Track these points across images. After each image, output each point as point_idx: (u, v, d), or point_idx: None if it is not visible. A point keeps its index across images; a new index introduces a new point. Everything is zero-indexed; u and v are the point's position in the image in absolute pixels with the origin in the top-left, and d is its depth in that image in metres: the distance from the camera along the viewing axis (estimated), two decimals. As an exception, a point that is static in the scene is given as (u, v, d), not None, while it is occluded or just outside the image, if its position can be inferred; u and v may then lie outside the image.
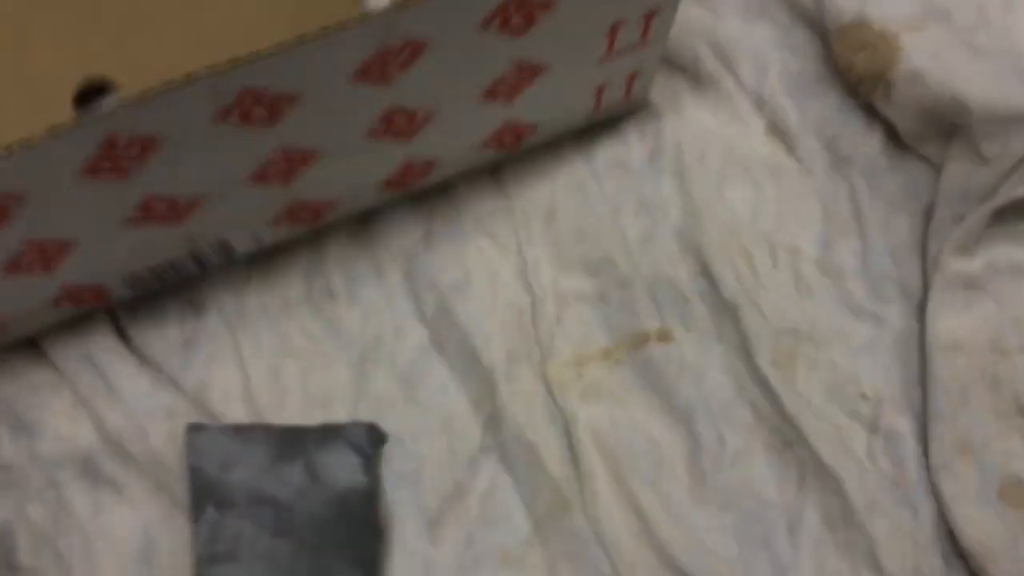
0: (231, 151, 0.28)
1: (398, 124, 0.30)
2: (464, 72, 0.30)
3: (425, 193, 0.35)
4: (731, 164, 0.36)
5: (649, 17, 0.31)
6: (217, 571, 0.30)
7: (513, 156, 0.36)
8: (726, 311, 0.34)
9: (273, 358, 0.34)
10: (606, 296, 0.34)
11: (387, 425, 0.33)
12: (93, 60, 0.37)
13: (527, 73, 0.31)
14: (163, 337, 0.34)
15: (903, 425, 0.33)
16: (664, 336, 0.34)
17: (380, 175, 0.33)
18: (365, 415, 0.33)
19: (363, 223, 0.35)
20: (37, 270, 0.29)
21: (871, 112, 0.36)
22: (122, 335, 0.34)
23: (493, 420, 0.33)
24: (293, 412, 0.33)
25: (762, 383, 0.33)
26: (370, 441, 0.32)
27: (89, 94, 0.35)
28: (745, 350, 0.33)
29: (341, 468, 0.31)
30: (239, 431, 0.31)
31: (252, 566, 0.30)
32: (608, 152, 0.36)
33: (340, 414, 0.33)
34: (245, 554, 0.30)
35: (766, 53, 0.37)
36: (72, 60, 0.37)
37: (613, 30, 0.31)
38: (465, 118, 0.32)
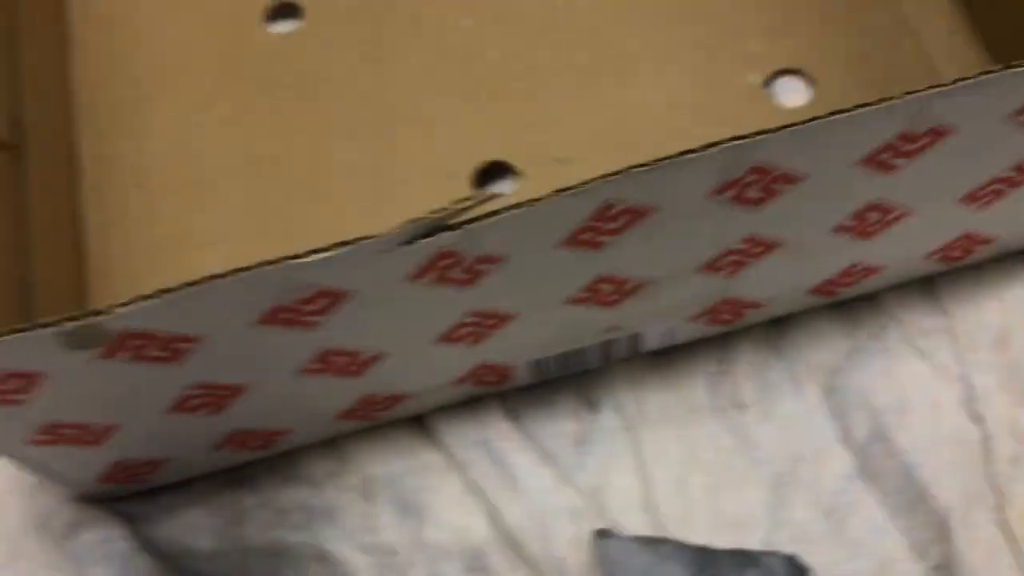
0: (699, 238, 0.26)
1: (869, 222, 0.27)
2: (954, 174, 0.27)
3: (848, 302, 0.32)
4: None
5: None
6: None
7: (952, 270, 0.32)
8: None
9: (678, 469, 0.30)
10: (1076, 440, 0.29)
11: (809, 559, 0.28)
12: (490, 145, 0.36)
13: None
14: (557, 431, 0.31)
15: None
16: None
17: (814, 280, 0.30)
18: (782, 545, 0.29)
19: (777, 327, 0.32)
20: (466, 342, 0.28)
21: None
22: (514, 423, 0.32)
23: (944, 570, 0.28)
24: (701, 530, 0.29)
25: None
26: (792, 574, 0.28)
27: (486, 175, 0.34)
28: None
29: (764, 602, 0.27)
30: (651, 543, 0.28)
31: None
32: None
33: (754, 540, 0.29)
34: None
35: None
36: (471, 144, 0.36)
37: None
38: (934, 223, 0.29)
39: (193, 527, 0.31)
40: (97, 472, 0.29)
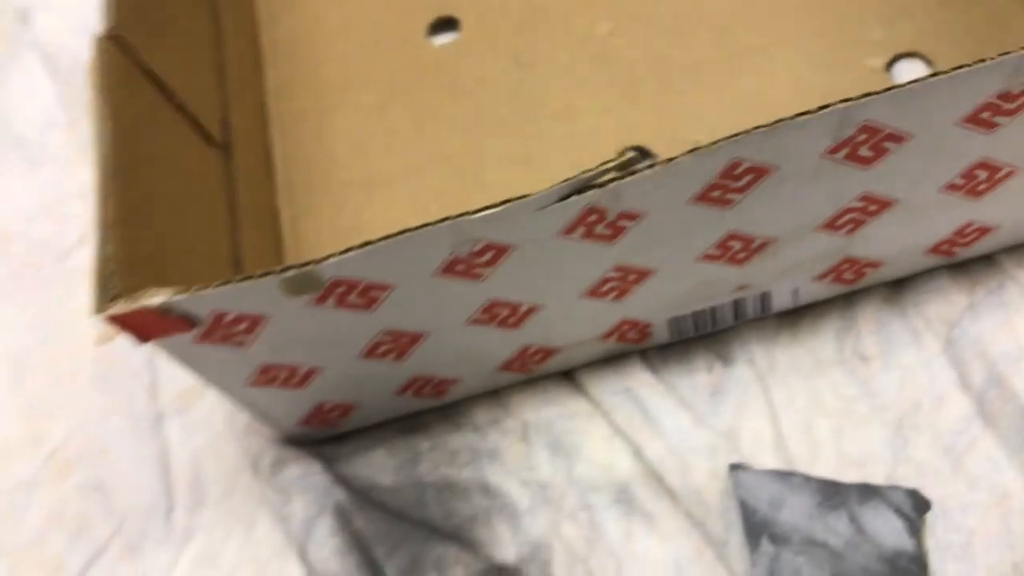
0: (817, 197, 0.29)
1: (978, 180, 0.30)
2: None
3: (966, 262, 0.34)
4: None
5: None
6: (757, 613, 0.29)
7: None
8: None
9: (806, 414, 0.33)
10: None
11: (929, 494, 0.31)
12: (631, 134, 0.40)
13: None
14: (692, 382, 0.35)
15: None
16: None
17: (931, 239, 0.33)
18: (904, 481, 0.32)
19: (897, 288, 0.35)
20: (610, 297, 0.32)
21: None
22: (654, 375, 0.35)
23: (1060, 501, 0.30)
24: (827, 468, 0.32)
25: None
26: (914, 506, 0.30)
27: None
28: None
29: (886, 528, 0.30)
30: (781, 475, 0.31)
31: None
32: None
33: (877, 476, 0.32)
34: (790, 599, 0.29)
35: None
36: (613, 129, 0.41)
37: None
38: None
39: (376, 466, 0.36)
40: (299, 414, 0.35)
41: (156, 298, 0.27)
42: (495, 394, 0.36)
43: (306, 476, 0.36)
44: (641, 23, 0.42)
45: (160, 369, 0.41)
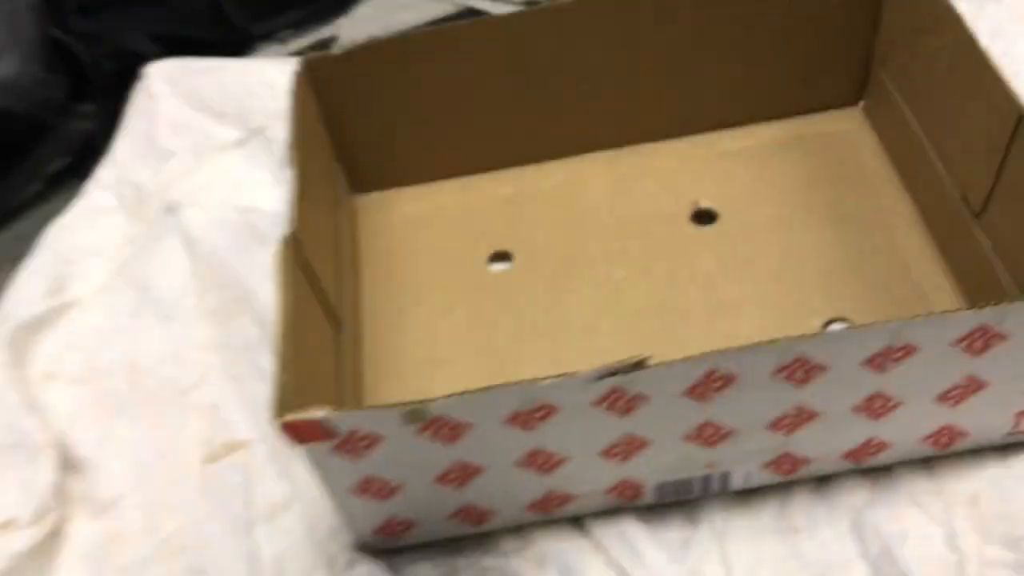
0: (766, 403, 0.43)
1: (876, 406, 0.44)
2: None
3: (872, 469, 0.48)
4: None
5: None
6: None
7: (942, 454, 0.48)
8: None
9: (751, 566, 0.45)
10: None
11: (835, 630, 0.43)
12: (635, 350, 0.54)
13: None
14: (668, 534, 0.47)
15: None
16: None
17: (845, 447, 0.46)
18: (817, 619, 0.43)
19: (822, 481, 0.48)
20: (618, 458, 0.45)
21: None
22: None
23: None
24: (763, 606, 0.44)
25: None
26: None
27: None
28: None
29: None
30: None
31: None
32: None
33: (799, 615, 0.44)
34: None
35: None
36: (621, 348, 0.55)
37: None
38: (921, 414, 0.45)
39: (427, 574, 0.47)
40: (375, 524, 0.46)
41: (318, 413, 0.40)
42: (520, 529, 0.48)
43: (372, 574, 0.47)
44: (647, 275, 0.58)
45: (254, 487, 0.52)
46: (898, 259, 0.56)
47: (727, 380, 0.41)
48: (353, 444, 0.41)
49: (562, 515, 0.48)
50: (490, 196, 0.63)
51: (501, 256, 0.60)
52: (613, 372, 0.40)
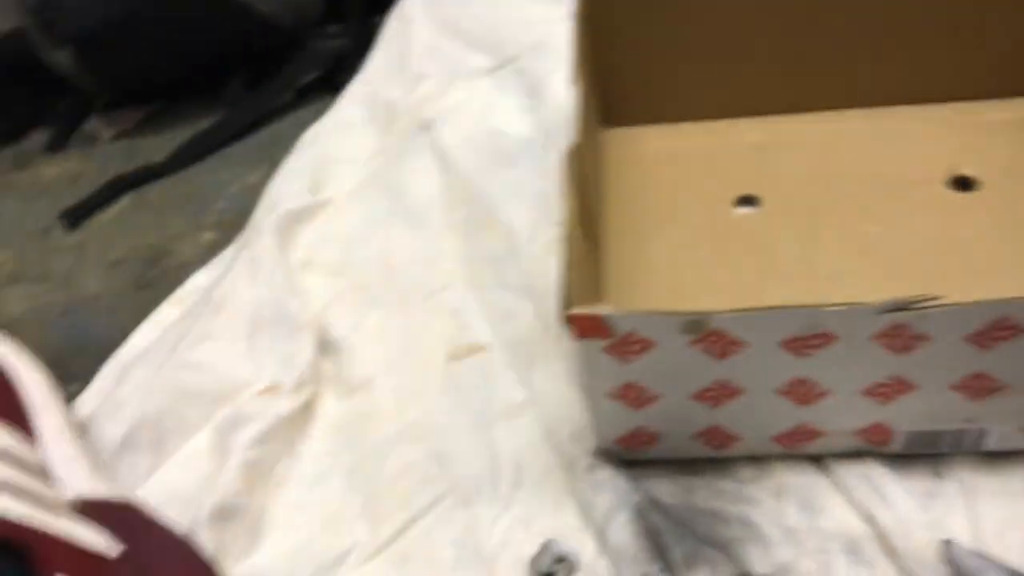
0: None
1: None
2: None
3: None
4: None
5: None
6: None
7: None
8: None
9: (1000, 527, 0.45)
10: None
11: (1090, 600, 0.42)
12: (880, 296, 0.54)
13: None
14: (914, 484, 0.47)
15: None
16: None
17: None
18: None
19: None
20: (878, 399, 0.45)
21: None
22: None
23: None
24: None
25: None
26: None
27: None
28: None
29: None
30: (983, 556, 0.42)
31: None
32: None
33: (1052, 579, 0.43)
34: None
35: None
36: (867, 294, 0.54)
37: None
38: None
39: (662, 490, 0.48)
40: (622, 432, 0.48)
41: (603, 309, 0.41)
42: (758, 459, 0.49)
43: (612, 480, 0.49)
44: (900, 234, 0.57)
45: (493, 388, 0.55)
46: None
47: (1011, 330, 0.41)
48: (626, 346, 0.43)
49: (804, 451, 0.48)
50: (739, 141, 0.63)
51: (747, 200, 0.61)
52: (904, 306, 0.40)
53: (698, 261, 0.58)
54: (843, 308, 0.40)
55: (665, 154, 0.64)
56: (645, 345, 0.43)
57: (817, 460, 0.48)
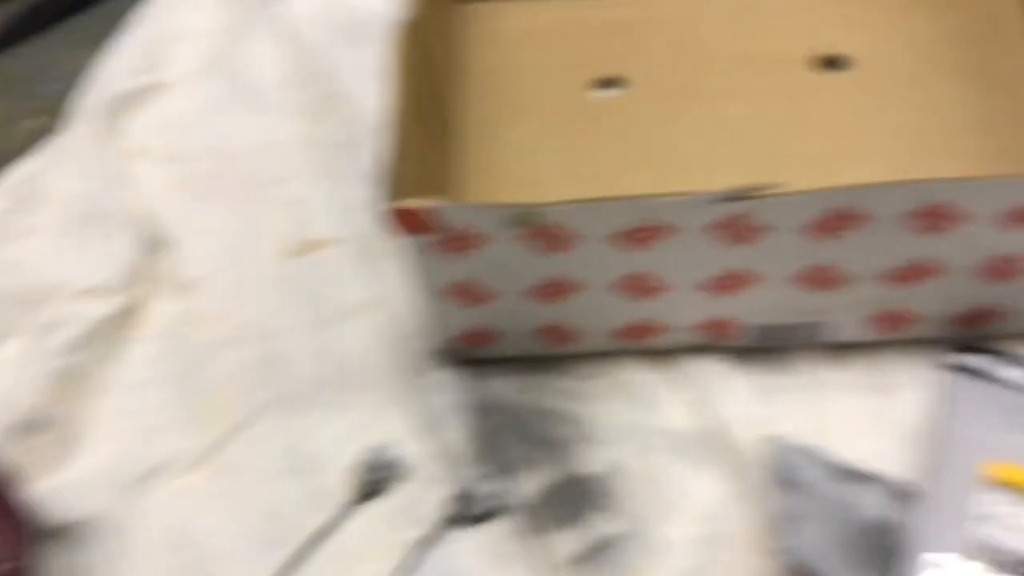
0: (889, 251, 0.41)
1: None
2: None
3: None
4: None
5: None
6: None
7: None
8: None
9: (841, 419, 0.44)
10: None
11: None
12: (737, 179, 0.52)
13: None
14: (757, 378, 0.45)
15: None
16: None
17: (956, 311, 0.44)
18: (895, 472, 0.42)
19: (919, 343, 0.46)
20: (718, 292, 0.43)
21: None
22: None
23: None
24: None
25: None
26: (897, 493, 0.41)
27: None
28: None
29: (875, 502, 0.40)
30: (808, 450, 0.42)
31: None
32: None
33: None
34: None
35: None
36: (726, 177, 0.52)
37: None
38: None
39: (499, 388, 0.47)
40: (461, 331, 0.45)
41: (431, 203, 0.38)
42: (603, 356, 0.47)
43: (453, 381, 0.46)
44: (764, 115, 0.54)
45: (335, 286, 0.52)
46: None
47: (852, 219, 0.39)
48: (458, 241, 0.40)
49: (647, 347, 0.46)
50: (602, 17, 0.60)
51: (608, 82, 0.57)
52: (739, 196, 0.38)
53: (558, 148, 0.54)
54: (675, 198, 0.38)
55: (524, 32, 0.60)
56: (478, 240, 0.40)
57: (662, 356, 0.47)
